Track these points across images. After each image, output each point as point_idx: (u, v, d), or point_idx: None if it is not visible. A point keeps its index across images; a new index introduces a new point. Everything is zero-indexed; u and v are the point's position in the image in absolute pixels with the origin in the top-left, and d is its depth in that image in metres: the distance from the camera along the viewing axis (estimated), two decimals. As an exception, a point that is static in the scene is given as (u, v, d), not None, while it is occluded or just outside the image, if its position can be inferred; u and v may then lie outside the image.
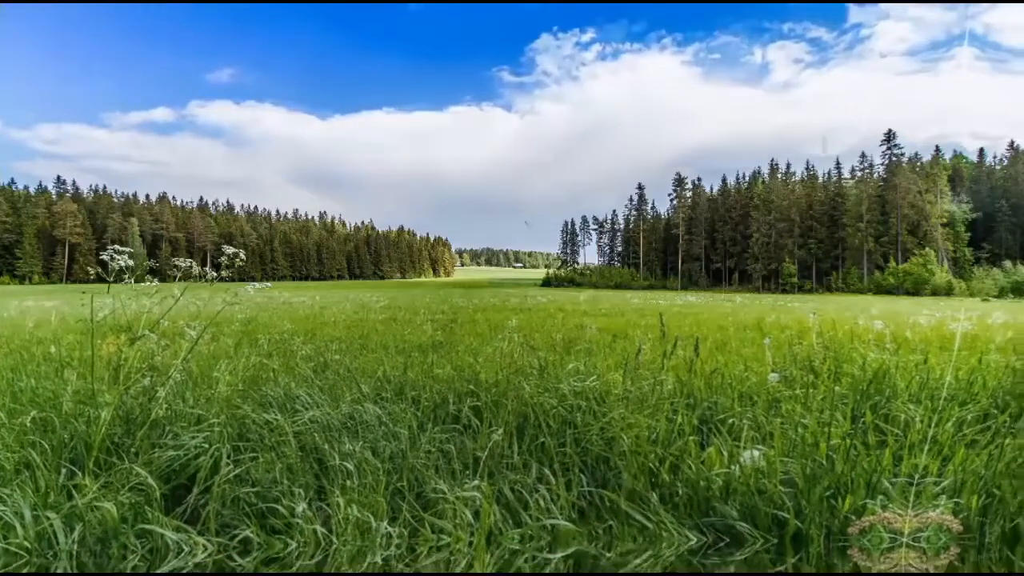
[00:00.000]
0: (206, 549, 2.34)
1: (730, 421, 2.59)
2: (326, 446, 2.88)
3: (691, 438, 2.42)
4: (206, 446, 2.99)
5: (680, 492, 2.15)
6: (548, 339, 5.40)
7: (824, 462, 2.28)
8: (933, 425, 2.60)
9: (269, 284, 3.97)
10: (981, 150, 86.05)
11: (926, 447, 2.47)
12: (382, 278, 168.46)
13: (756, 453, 2.29)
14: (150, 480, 2.61)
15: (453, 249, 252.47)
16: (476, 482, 2.27)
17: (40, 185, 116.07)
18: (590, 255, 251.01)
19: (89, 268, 3.41)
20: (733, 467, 2.22)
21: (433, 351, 4.53)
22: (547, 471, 2.30)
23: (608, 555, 1.95)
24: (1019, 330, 5.50)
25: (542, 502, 2.12)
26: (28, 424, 3.36)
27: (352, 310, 12.55)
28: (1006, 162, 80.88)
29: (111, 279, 3.26)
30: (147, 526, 2.38)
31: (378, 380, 3.88)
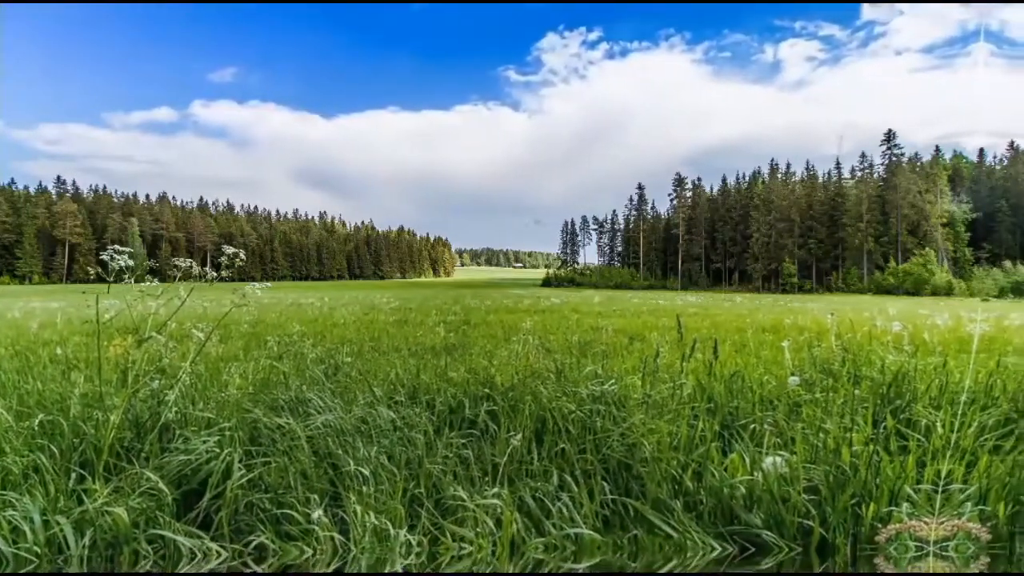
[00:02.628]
0: (220, 555, 2.31)
1: (752, 426, 2.55)
2: (340, 451, 2.84)
3: (713, 444, 2.39)
4: (217, 450, 2.95)
5: (704, 500, 2.12)
6: (564, 341, 5.34)
7: (847, 469, 2.25)
8: (955, 430, 2.57)
9: (268, 284, 3.91)
10: (981, 150, 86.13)
11: (949, 453, 2.44)
12: (382, 278, 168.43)
13: (779, 459, 2.26)
14: (161, 485, 2.57)
15: (453, 249, 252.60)
16: (496, 489, 2.24)
17: (40, 185, 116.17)
18: (590, 255, 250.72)
19: (89, 268, 3.38)
20: (756, 474, 2.19)
21: (447, 354, 4.48)
22: (569, 478, 2.27)
23: (633, 565, 1.92)
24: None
25: (565, 510, 2.09)
26: (35, 428, 3.33)
27: (362, 311, 12.46)
28: (1006, 162, 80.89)
29: (111, 279, 3.23)
30: (159, 531, 2.34)
31: (391, 383, 3.84)
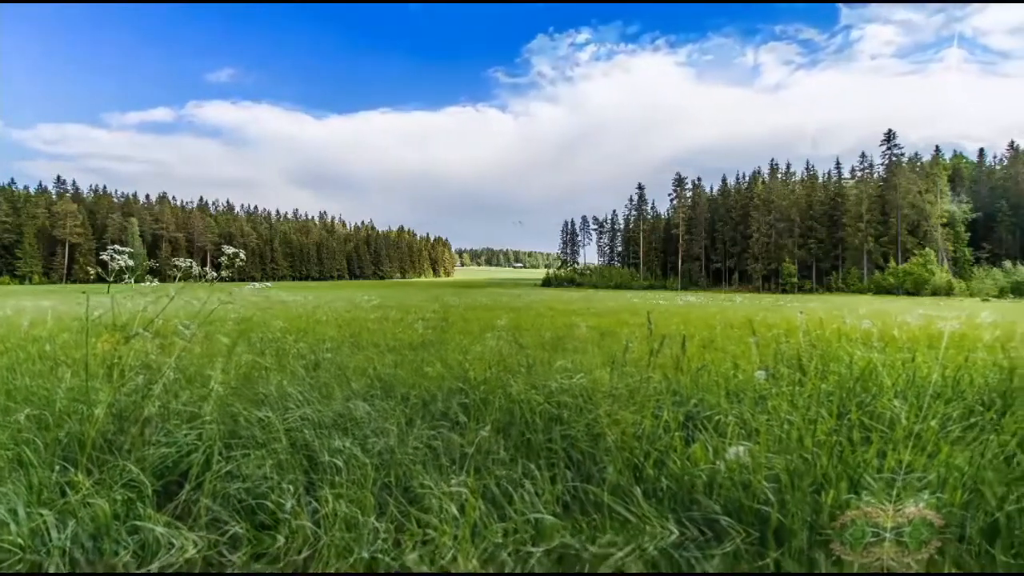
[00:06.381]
0: (196, 545, 2.36)
1: (716, 418, 2.61)
2: (316, 443, 2.90)
3: (677, 434, 2.44)
4: (198, 443, 3.01)
5: (664, 487, 2.17)
6: (537, 337, 5.42)
7: (809, 458, 2.30)
8: (918, 422, 2.62)
9: (269, 284, 3.97)
10: (981, 150, 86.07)
11: (910, 443, 2.49)
12: (382, 278, 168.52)
13: (741, 449, 2.31)
14: (142, 477, 2.63)
15: (453, 249, 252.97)
16: (462, 477, 2.29)
17: (40, 185, 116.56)
18: (590, 255, 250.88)
19: (89, 268, 3.43)
20: (718, 463, 2.24)
21: (424, 349, 4.56)
22: (532, 466, 2.32)
23: (591, 548, 1.97)
24: (1007, 329, 5.50)
25: (527, 497, 2.14)
26: (22, 421, 3.39)
27: (345, 309, 12.61)
28: (1006, 162, 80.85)
29: (111, 279, 3.27)
30: (138, 522, 2.39)
31: (369, 378, 3.90)
